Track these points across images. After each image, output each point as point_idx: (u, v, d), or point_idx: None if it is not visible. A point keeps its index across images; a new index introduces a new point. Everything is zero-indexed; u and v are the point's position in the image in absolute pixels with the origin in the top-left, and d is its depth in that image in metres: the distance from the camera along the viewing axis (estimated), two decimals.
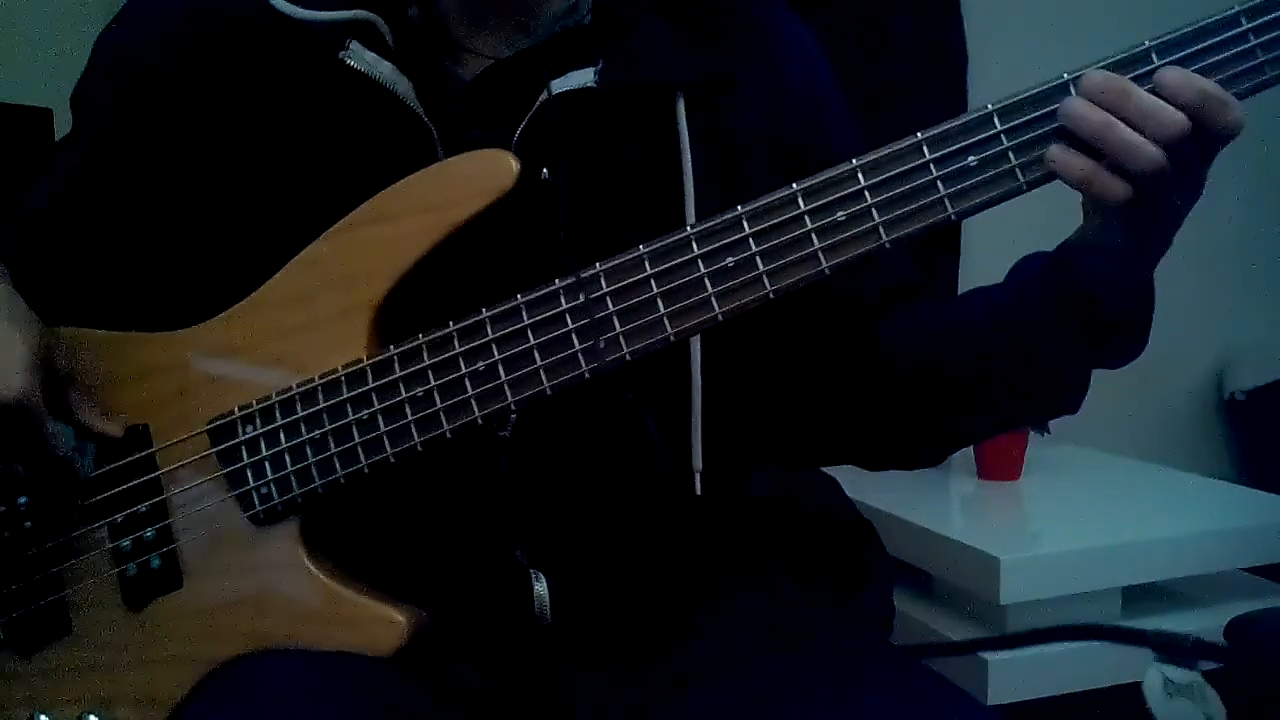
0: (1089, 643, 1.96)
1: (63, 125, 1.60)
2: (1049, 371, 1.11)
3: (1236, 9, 0.93)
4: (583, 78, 1.11)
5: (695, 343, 1.12)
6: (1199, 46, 0.93)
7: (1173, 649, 0.82)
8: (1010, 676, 1.98)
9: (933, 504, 2.26)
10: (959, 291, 1.07)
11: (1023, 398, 1.16)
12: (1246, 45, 0.92)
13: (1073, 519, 2.32)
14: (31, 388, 1.06)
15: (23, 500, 1.12)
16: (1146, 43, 0.94)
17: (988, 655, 1.97)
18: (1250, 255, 2.99)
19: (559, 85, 1.10)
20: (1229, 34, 0.93)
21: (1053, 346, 1.09)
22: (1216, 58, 0.93)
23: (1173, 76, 0.93)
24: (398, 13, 1.13)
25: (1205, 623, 2.07)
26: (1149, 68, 0.93)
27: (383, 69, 1.10)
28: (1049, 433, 2.35)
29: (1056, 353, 1.09)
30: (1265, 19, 0.92)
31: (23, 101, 2.03)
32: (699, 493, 1.13)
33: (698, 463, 1.13)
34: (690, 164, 1.12)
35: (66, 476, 1.10)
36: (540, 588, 1.11)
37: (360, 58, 1.10)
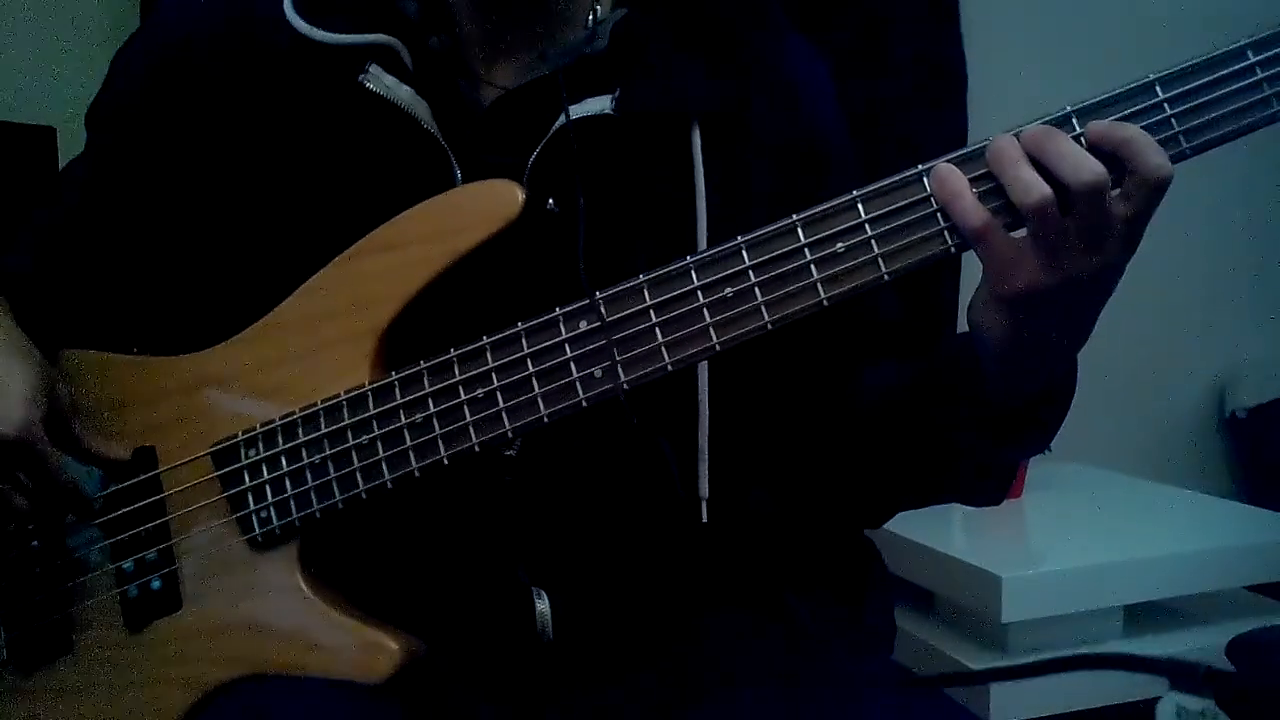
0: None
1: (66, 143, 1.60)
2: (947, 453, 1.12)
3: (1243, 42, 0.92)
4: (599, 104, 1.11)
5: (703, 373, 1.12)
6: (1205, 79, 0.93)
7: (1186, 676, 0.82)
8: (1012, 696, 1.98)
9: (934, 522, 2.25)
10: (958, 316, 1.07)
11: (934, 474, 1.18)
12: (1254, 79, 0.92)
13: (1074, 537, 2.32)
14: (31, 421, 1.06)
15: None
16: (1151, 75, 0.93)
17: None
18: (1251, 273, 2.99)
19: (576, 111, 1.10)
20: (1236, 67, 0.92)
21: (943, 431, 1.10)
22: (1223, 90, 0.92)
23: (1097, 125, 0.93)
24: (417, 37, 1.13)
25: (1207, 640, 2.07)
26: (1153, 100, 0.93)
27: (401, 93, 1.10)
28: (1050, 451, 2.35)
29: (949, 439, 1.10)
30: (1272, 52, 0.92)
31: (26, 120, 2.03)
32: (705, 519, 1.13)
33: (704, 490, 1.13)
34: (704, 193, 1.12)
35: (70, 505, 1.11)
36: (542, 605, 1.11)
37: (379, 81, 1.10)
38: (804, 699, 1.10)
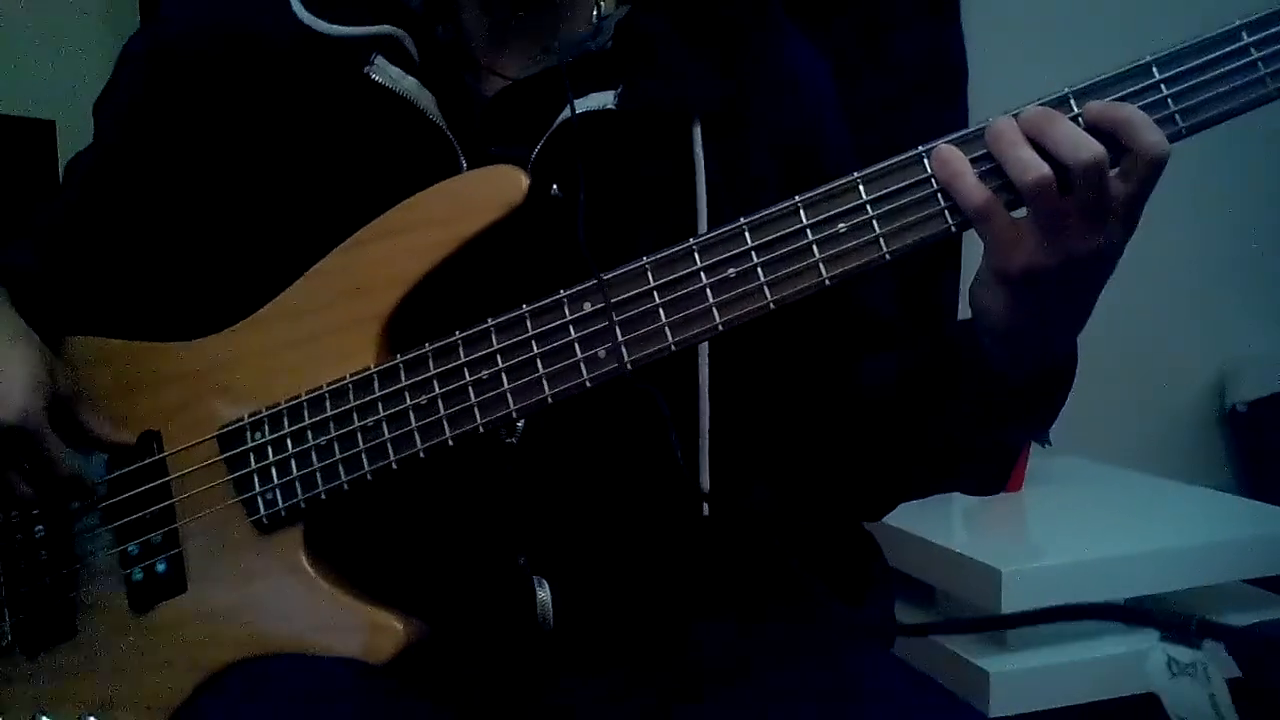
0: (1092, 654, 1.98)
1: (66, 137, 1.60)
2: (950, 438, 1.13)
3: (1238, 23, 0.94)
4: (602, 99, 1.12)
5: (703, 367, 1.12)
6: (1201, 60, 0.94)
7: (1177, 629, 0.82)
8: (1013, 688, 1.98)
9: (934, 516, 2.25)
10: (959, 304, 1.08)
11: (936, 461, 1.18)
12: (1248, 59, 0.93)
13: (1074, 531, 2.31)
14: (33, 407, 1.07)
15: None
16: (1147, 57, 0.95)
17: (990, 667, 1.97)
18: (1251, 266, 2.98)
19: (580, 105, 1.11)
20: (1231, 48, 0.94)
21: (951, 416, 1.11)
22: (1219, 71, 0.94)
23: (1095, 105, 0.94)
24: (423, 28, 1.14)
25: None
26: (1149, 81, 0.94)
27: (407, 84, 1.11)
28: (1050, 444, 2.34)
29: (950, 421, 1.11)
30: (1266, 33, 0.93)
31: (26, 113, 2.03)
32: (705, 513, 1.13)
33: (705, 484, 1.13)
34: (704, 188, 1.13)
35: (71, 492, 1.11)
36: (544, 594, 1.12)
37: (384, 72, 1.11)
38: (805, 690, 1.10)
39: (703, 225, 1.12)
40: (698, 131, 1.15)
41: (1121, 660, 1.96)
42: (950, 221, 0.97)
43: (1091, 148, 0.92)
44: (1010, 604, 1.99)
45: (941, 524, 2.25)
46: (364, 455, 1.06)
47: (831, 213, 0.99)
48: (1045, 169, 0.93)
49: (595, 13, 1.18)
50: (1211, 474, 2.97)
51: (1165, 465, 2.74)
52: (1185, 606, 2.20)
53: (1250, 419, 2.97)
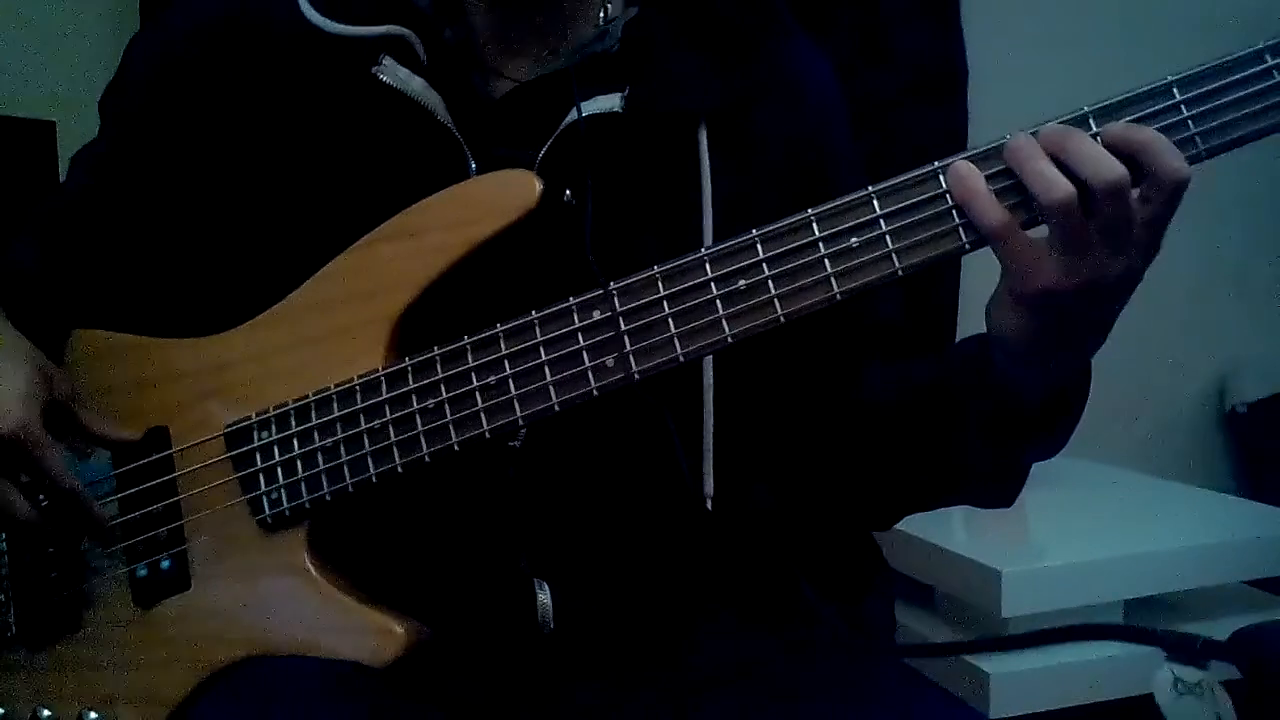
0: (1092, 655, 1.98)
1: (66, 138, 1.59)
2: (963, 456, 1.12)
3: (1261, 46, 0.93)
4: (609, 102, 1.12)
5: (708, 370, 1.12)
6: (1223, 82, 0.93)
7: (1182, 648, 0.82)
8: (1012, 689, 1.98)
9: (934, 516, 2.22)
10: (958, 317, 1.07)
11: (944, 477, 1.17)
12: (1271, 82, 0.92)
13: (1074, 532, 2.31)
14: (30, 418, 1.06)
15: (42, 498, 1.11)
16: (1169, 77, 0.94)
17: (990, 668, 1.97)
18: (1251, 268, 2.99)
19: (586, 108, 1.11)
20: (1253, 70, 0.93)
21: (960, 434, 1.10)
22: (1241, 93, 0.93)
23: (1114, 127, 0.93)
24: (431, 29, 1.14)
25: (1207, 635, 2.07)
26: (1170, 102, 0.93)
27: (415, 84, 1.11)
28: None
29: (961, 438, 1.10)
30: None
31: (27, 114, 2.03)
32: (708, 517, 1.13)
33: (709, 487, 1.13)
34: (710, 190, 1.13)
35: (69, 502, 1.10)
36: (544, 596, 1.12)
37: (393, 73, 1.11)
38: (806, 693, 1.11)
39: (708, 229, 1.12)
40: (704, 135, 1.15)
41: (1120, 662, 1.96)
42: (965, 239, 0.96)
43: (1114, 167, 0.90)
44: (1010, 605, 1.99)
45: (942, 525, 2.25)
46: (369, 458, 1.06)
47: (844, 226, 0.98)
48: (1069, 186, 0.91)
49: (602, 15, 1.18)
50: (1211, 475, 2.98)
51: (1166, 466, 2.75)
52: (1185, 608, 2.21)
53: (1250, 420, 2.97)
